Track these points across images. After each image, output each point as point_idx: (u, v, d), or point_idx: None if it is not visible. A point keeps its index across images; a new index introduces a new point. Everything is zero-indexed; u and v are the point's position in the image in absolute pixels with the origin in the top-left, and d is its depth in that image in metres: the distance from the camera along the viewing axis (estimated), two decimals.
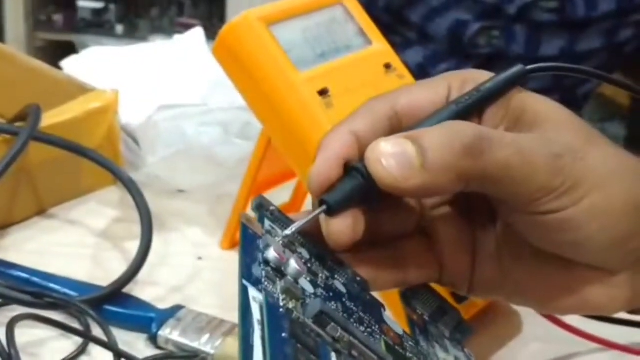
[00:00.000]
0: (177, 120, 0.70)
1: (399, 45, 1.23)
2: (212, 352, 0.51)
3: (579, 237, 0.39)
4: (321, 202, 0.39)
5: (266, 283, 0.36)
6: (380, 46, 0.59)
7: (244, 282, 0.35)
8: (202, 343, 0.51)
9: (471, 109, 0.41)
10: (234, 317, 0.52)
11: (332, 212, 0.39)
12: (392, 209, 0.42)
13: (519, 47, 1.18)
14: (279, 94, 0.55)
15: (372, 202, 0.40)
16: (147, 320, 0.54)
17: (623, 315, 0.51)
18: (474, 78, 0.42)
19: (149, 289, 0.58)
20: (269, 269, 0.37)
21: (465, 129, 0.38)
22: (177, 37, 0.95)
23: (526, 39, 1.17)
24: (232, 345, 0.51)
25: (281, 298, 0.36)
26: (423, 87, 0.43)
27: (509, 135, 0.39)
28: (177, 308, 0.55)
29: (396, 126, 0.41)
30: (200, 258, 0.63)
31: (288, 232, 0.39)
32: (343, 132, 0.40)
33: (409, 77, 0.59)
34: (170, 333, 0.52)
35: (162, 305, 0.55)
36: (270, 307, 0.35)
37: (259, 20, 0.55)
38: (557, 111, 0.41)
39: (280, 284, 0.37)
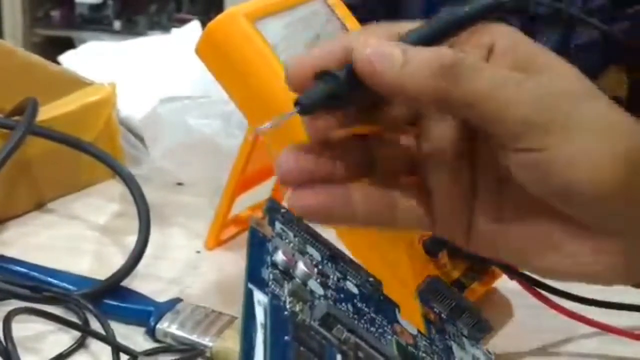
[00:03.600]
0: (179, 112, 0.70)
1: None
2: (210, 344, 0.51)
3: (565, 182, 0.39)
4: (296, 103, 0.38)
5: (273, 286, 0.36)
6: None
7: (250, 285, 0.35)
8: (201, 336, 0.52)
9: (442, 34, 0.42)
10: (232, 309, 0.53)
11: (306, 111, 0.39)
12: (384, 141, 0.43)
13: None
14: (270, 92, 0.54)
15: (346, 108, 0.40)
16: (145, 313, 0.54)
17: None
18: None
19: (148, 282, 0.58)
20: (277, 271, 0.37)
21: (448, 53, 0.39)
22: (174, 30, 0.95)
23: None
24: (231, 337, 0.51)
25: (288, 301, 0.36)
26: None
27: (490, 69, 0.40)
28: (176, 301, 0.55)
29: None
30: (198, 251, 0.63)
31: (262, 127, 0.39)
32: (334, 44, 0.41)
33: None
34: (168, 326, 0.52)
35: (161, 299, 0.55)
36: (274, 310, 0.35)
37: (245, 17, 0.54)
38: (563, 62, 0.42)
39: (287, 287, 0.36)
